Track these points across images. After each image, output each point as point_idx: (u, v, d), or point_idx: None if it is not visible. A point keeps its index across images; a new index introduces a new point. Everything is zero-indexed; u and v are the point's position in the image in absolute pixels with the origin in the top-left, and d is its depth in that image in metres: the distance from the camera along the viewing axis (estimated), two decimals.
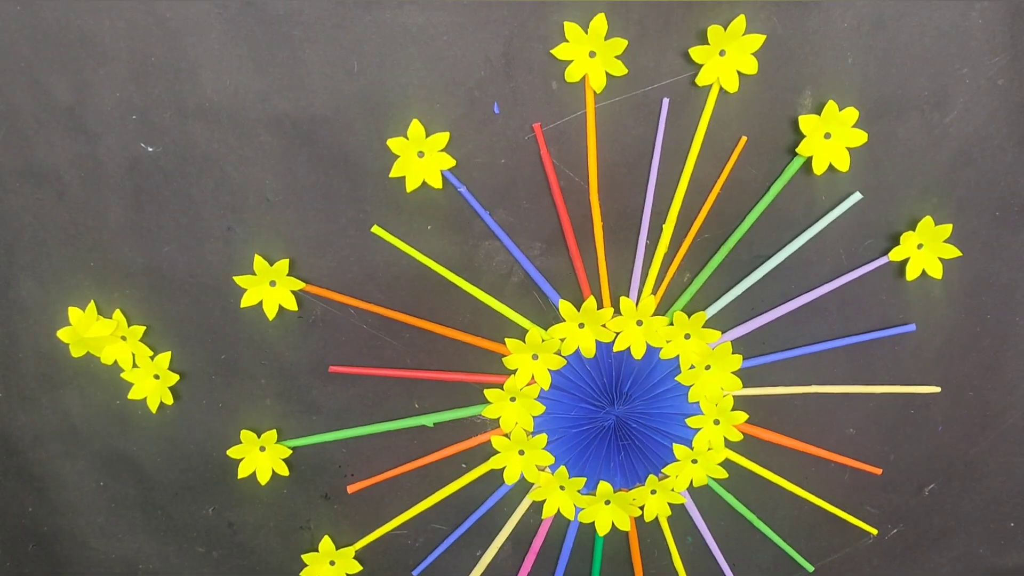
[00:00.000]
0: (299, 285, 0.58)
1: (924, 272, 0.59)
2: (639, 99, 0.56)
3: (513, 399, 0.61)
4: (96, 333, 0.59)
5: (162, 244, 0.58)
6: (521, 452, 0.62)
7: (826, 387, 0.62)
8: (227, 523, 0.66)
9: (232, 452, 0.62)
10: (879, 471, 0.65)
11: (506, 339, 0.60)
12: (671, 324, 0.60)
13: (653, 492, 0.63)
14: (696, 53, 0.54)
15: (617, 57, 0.54)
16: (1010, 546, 0.68)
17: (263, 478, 0.63)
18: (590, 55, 0.54)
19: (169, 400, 0.61)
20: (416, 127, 0.55)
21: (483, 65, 0.55)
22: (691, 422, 0.62)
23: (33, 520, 0.66)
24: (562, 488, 0.63)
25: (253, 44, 0.54)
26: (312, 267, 0.59)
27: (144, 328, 0.60)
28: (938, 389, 0.63)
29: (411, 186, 0.57)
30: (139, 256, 0.59)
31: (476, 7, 0.54)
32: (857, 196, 0.58)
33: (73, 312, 0.59)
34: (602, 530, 0.64)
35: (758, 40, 0.54)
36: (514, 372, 0.61)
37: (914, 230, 0.58)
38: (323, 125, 0.56)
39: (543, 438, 0.62)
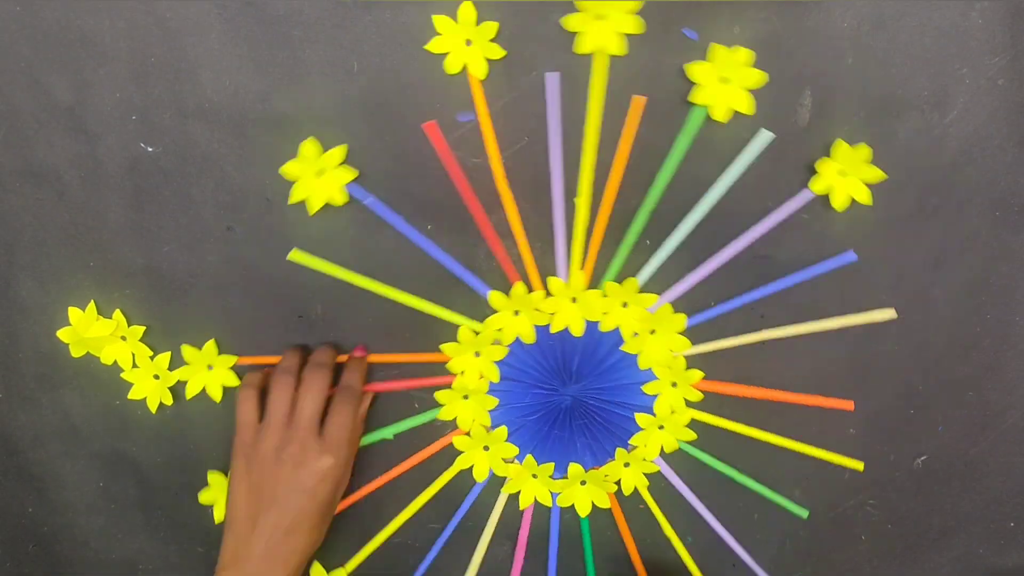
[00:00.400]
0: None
1: (854, 201, 0.57)
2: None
3: (466, 397, 0.61)
4: (96, 333, 0.59)
5: (162, 244, 0.58)
6: (486, 448, 0.62)
7: (775, 331, 0.61)
8: None
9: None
10: (851, 406, 0.63)
11: (441, 345, 0.60)
12: (605, 296, 0.59)
13: (627, 465, 0.63)
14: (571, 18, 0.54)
15: (492, 40, 0.53)
16: (1010, 546, 0.68)
17: None
18: (466, 43, 0.53)
19: (169, 400, 0.61)
20: (309, 145, 0.55)
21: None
22: (647, 388, 0.61)
23: (33, 520, 0.66)
24: (535, 476, 0.63)
25: (253, 44, 0.54)
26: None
27: (144, 328, 0.60)
28: (893, 313, 0.61)
29: (313, 208, 0.56)
30: (139, 256, 0.59)
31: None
32: (767, 135, 0.56)
33: (73, 312, 0.59)
34: (583, 511, 0.64)
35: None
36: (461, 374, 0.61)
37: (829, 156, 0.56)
38: (323, 125, 0.56)
39: (503, 431, 0.62)
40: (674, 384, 0.61)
